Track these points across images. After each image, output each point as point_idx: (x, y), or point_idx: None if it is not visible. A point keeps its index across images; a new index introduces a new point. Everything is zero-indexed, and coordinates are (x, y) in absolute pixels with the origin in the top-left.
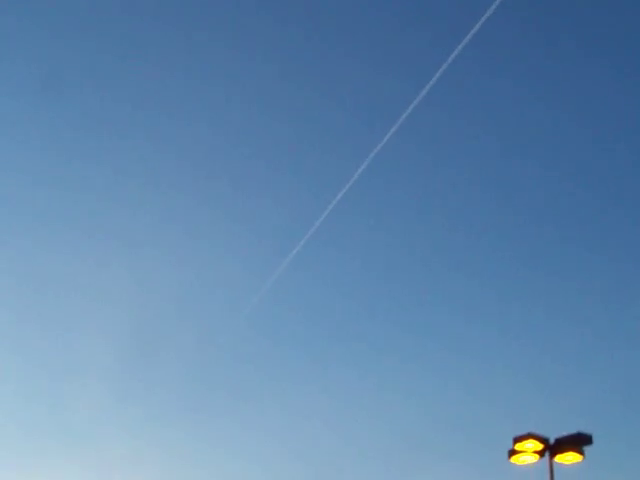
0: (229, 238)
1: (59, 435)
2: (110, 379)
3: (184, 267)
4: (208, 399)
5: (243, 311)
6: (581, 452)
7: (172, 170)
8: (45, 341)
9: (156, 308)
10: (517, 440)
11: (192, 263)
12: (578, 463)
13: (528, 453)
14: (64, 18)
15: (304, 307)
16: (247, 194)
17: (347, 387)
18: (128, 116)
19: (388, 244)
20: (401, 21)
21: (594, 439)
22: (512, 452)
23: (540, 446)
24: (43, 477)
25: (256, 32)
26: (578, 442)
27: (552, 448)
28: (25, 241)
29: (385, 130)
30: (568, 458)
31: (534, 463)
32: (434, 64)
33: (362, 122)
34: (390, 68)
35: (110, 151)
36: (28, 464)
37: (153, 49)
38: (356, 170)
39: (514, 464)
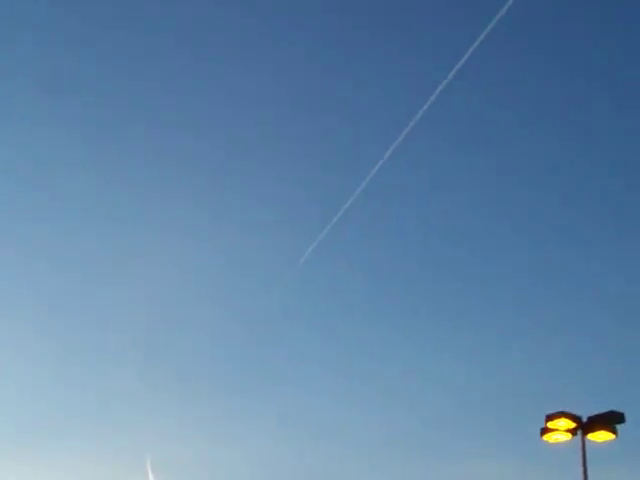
0: (260, 220)
1: (90, 416)
2: (142, 359)
3: (215, 248)
4: (240, 378)
5: (274, 291)
6: (614, 430)
7: (204, 153)
8: (76, 322)
9: (187, 289)
10: (549, 418)
11: (223, 244)
12: (610, 441)
13: (560, 431)
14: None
15: (333, 288)
16: (277, 175)
17: (376, 372)
18: (153, 98)
19: (417, 227)
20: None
21: (626, 417)
22: (544, 430)
23: (572, 424)
24: (75, 459)
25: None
26: (611, 420)
27: (584, 426)
28: (63, 217)
29: (415, 110)
30: (600, 436)
31: (566, 441)
32: None
33: (391, 104)
34: (423, 46)
35: (141, 134)
36: (60, 445)
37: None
38: (385, 151)
39: (546, 442)
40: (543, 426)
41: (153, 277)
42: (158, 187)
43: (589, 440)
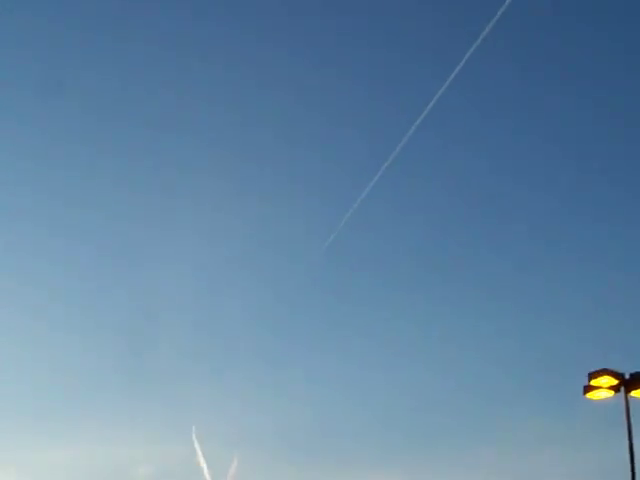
0: (309, 170)
1: (142, 377)
2: (192, 319)
3: (263, 201)
4: (274, 348)
5: (323, 244)
6: None
7: (253, 103)
8: (128, 283)
9: (236, 245)
10: (592, 376)
11: (271, 197)
12: None
13: (603, 389)
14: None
15: (382, 238)
16: (326, 125)
17: (415, 340)
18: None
19: (468, 176)
20: None
21: None
22: (587, 388)
23: (615, 381)
24: (127, 418)
25: None
26: None
27: (627, 383)
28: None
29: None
30: None
31: (609, 398)
32: None
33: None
34: None
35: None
36: (110, 418)
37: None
38: (432, 98)
39: (590, 400)
40: (586, 384)
41: (192, 250)
42: (186, 158)
43: (632, 397)
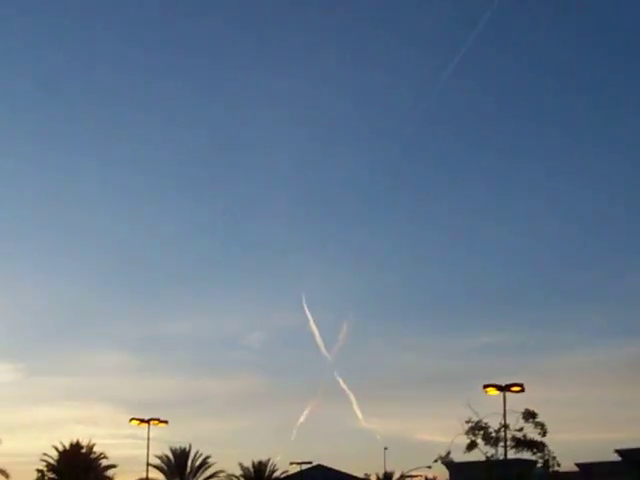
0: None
1: (253, 249)
2: (286, 199)
3: (362, 65)
4: (374, 211)
5: (422, 104)
6: None
7: None
8: (235, 164)
9: (334, 121)
10: None
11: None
12: None
13: None
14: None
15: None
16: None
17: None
18: None
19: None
20: None
21: None
22: None
23: None
24: (239, 289)
25: None
26: None
27: None
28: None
29: None
30: None
31: None
32: None
33: None
34: None
35: None
36: (230, 278)
37: None
38: None
39: None
40: None
41: (289, 130)
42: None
43: None
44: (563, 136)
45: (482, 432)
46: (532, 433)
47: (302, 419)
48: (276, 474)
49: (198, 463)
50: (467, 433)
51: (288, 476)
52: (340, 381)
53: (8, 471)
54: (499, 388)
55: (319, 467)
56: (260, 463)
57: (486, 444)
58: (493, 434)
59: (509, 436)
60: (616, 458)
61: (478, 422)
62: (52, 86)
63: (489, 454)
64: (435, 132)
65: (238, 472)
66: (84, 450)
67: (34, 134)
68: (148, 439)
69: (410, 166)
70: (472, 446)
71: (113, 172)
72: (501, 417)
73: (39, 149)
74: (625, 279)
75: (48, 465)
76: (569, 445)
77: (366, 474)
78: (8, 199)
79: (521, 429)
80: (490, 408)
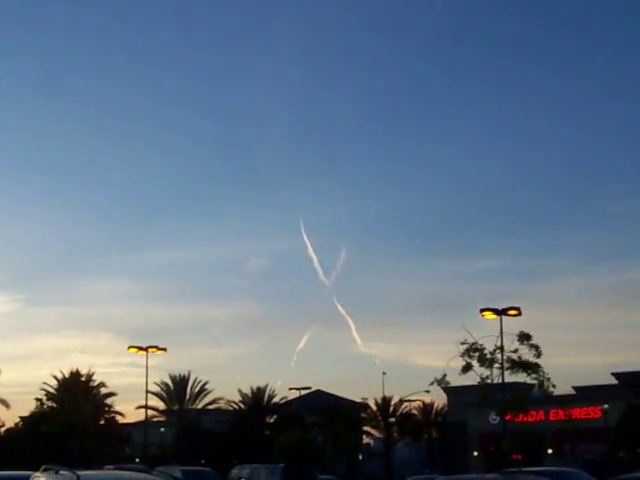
0: None
1: (251, 170)
2: (290, 123)
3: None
4: (385, 138)
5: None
6: None
7: None
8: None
9: (339, 35)
10: None
11: None
12: None
13: None
14: None
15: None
16: None
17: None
18: None
19: None
20: None
21: None
22: None
23: None
24: (237, 213)
25: None
26: None
27: None
28: None
29: None
30: None
31: None
32: None
33: None
34: None
35: None
36: (228, 202)
37: None
38: None
39: None
40: None
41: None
42: None
43: None
44: None
45: (477, 354)
46: (527, 355)
47: (301, 345)
48: (275, 400)
49: (197, 390)
50: (462, 355)
51: (287, 401)
52: (339, 307)
53: (8, 401)
54: (496, 312)
55: (318, 392)
56: (259, 389)
57: (481, 366)
58: (488, 356)
59: (504, 357)
60: (613, 381)
61: (473, 344)
62: None
63: (484, 376)
64: (441, 54)
65: (237, 398)
66: (83, 379)
67: None
68: (147, 366)
69: (412, 88)
70: (467, 368)
71: (109, 95)
72: (496, 340)
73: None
74: (624, 202)
75: (47, 394)
76: (566, 369)
77: (363, 398)
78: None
79: (516, 350)
80: (487, 332)
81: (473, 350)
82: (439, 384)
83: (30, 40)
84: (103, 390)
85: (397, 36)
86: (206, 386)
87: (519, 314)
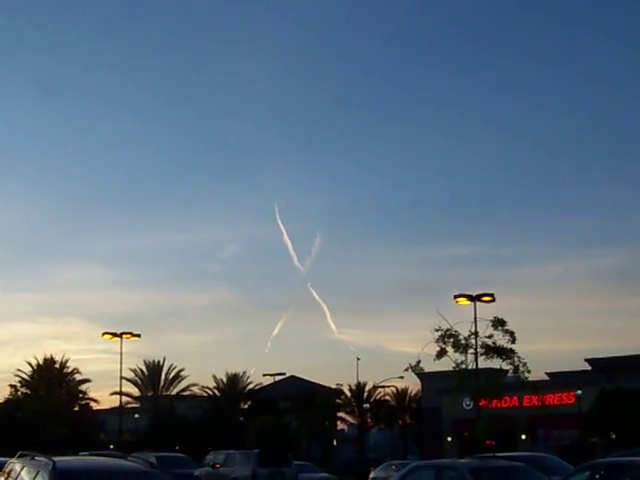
0: None
1: (220, 167)
2: (270, 107)
3: None
4: (363, 122)
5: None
6: None
7: None
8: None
9: (315, 24)
10: None
11: None
12: None
13: None
14: None
15: None
16: None
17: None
18: None
19: None
20: None
21: None
22: None
23: None
24: (210, 200)
25: None
26: None
27: None
28: None
29: None
30: None
31: None
32: None
33: None
34: None
35: None
36: (192, 198)
37: None
38: None
39: None
40: None
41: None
42: None
43: None
44: None
45: (452, 340)
46: (501, 341)
47: (276, 331)
48: (250, 387)
49: (172, 376)
50: (437, 341)
51: (262, 387)
52: (313, 293)
53: None
54: (470, 298)
55: (292, 378)
56: (234, 375)
57: (455, 351)
58: (463, 342)
59: (479, 343)
60: (586, 367)
61: (448, 330)
62: None
63: (459, 361)
64: (418, 38)
65: (211, 384)
66: (57, 365)
67: None
68: (121, 353)
69: (389, 74)
70: (442, 353)
71: (75, 76)
72: (471, 326)
73: None
74: (594, 191)
75: (22, 380)
76: (539, 355)
77: (338, 384)
78: None
79: (490, 336)
80: (461, 318)
81: (448, 336)
82: (413, 370)
83: None
84: (77, 377)
85: (377, 21)
86: (181, 372)
87: (493, 300)
